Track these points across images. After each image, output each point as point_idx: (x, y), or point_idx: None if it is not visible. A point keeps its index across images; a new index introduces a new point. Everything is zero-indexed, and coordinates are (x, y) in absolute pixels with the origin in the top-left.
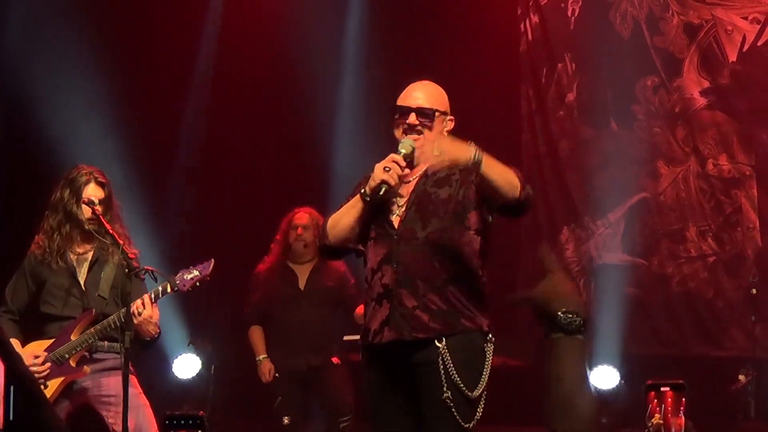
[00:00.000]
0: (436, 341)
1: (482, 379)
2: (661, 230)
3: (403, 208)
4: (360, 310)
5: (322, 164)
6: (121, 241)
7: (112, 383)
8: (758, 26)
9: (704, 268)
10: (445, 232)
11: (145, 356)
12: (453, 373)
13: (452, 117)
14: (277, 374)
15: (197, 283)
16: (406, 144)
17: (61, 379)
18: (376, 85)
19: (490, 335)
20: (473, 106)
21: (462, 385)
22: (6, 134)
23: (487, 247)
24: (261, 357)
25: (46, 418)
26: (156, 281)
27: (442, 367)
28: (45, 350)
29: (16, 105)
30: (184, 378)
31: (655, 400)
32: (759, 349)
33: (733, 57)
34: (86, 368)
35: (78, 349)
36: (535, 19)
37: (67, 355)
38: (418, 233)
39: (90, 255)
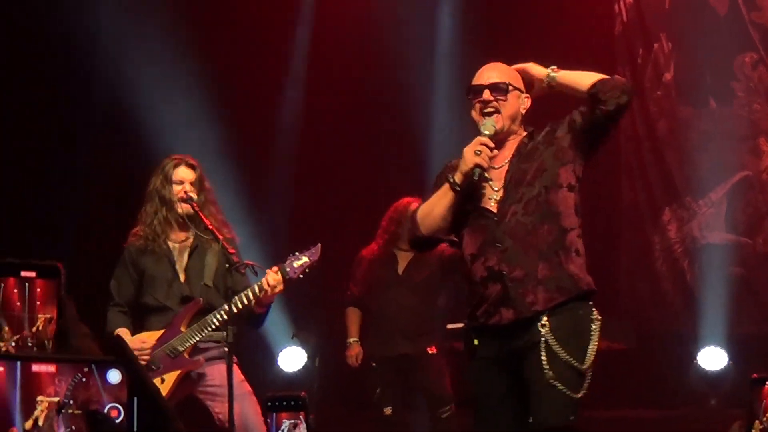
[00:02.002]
0: (540, 321)
1: (590, 351)
2: (764, 208)
3: (500, 192)
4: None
5: (419, 152)
6: (220, 236)
7: (215, 373)
8: None
9: None
10: (540, 196)
11: (250, 349)
12: (557, 349)
13: (528, 95)
14: (373, 363)
15: (307, 270)
16: (488, 125)
17: (178, 372)
18: (470, 72)
19: (591, 304)
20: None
21: (570, 358)
22: (104, 126)
23: (580, 203)
24: (351, 340)
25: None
26: (256, 275)
27: (544, 343)
28: (156, 342)
29: (115, 97)
30: (290, 371)
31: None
32: None
33: None
34: (202, 359)
35: (191, 341)
36: None
37: (180, 348)
38: (517, 209)
39: (189, 242)
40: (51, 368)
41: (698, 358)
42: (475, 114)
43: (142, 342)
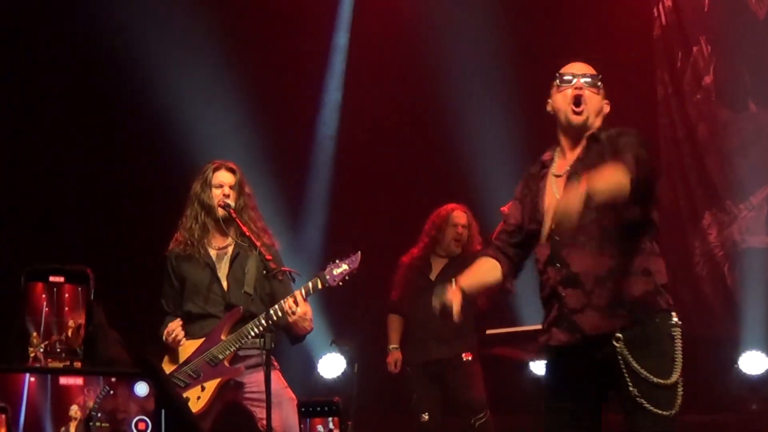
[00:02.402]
0: (613, 338)
1: (675, 364)
2: None
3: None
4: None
5: (458, 160)
6: (257, 242)
7: (259, 380)
8: None
9: None
10: (599, 214)
11: (290, 356)
12: (635, 367)
13: (608, 101)
14: (408, 368)
15: (346, 277)
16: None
17: (219, 380)
18: (511, 77)
19: (673, 314)
20: (609, 93)
21: (650, 375)
22: (142, 134)
23: (651, 213)
24: (391, 347)
25: None
26: (294, 282)
27: (622, 362)
28: (196, 350)
29: (155, 105)
30: (330, 377)
31: None
32: None
33: None
34: (242, 366)
35: (231, 349)
36: (668, 2)
37: (220, 356)
38: (575, 231)
39: (230, 249)
40: (79, 380)
41: (739, 362)
42: (561, 101)
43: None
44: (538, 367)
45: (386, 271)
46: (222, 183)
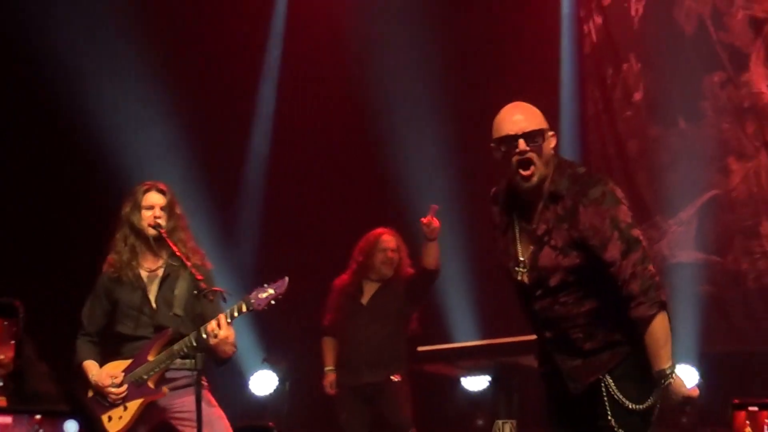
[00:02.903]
0: (602, 379)
1: (651, 390)
2: (734, 226)
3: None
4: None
5: (389, 183)
6: (188, 262)
7: (187, 402)
8: None
9: None
10: (574, 273)
11: (221, 373)
12: (617, 396)
13: (553, 132)
14: (339, 389)
15: (272, 302)
16: None
17: (141, 400)
18: (443, 100)
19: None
20: (540, 110)
21: (626, 401)
22: (72, 156)
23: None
24: (326, 369)
25: None
26: (225, 302)
27: (605, 394)
28: (123, 371)
29: (84, 127)
30: (261, 394)
31: (747, 422)
32: None
33: None
34: (165, 389)
35: (156, 370)
36: (599, 20)
37: (145, 377)
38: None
39: (160, 271)
40: (7, 419)
41: None
42: (506, 166)
43: (112, 378)
44: (470, 384)
45: (318, 290)
46: (153, 204)
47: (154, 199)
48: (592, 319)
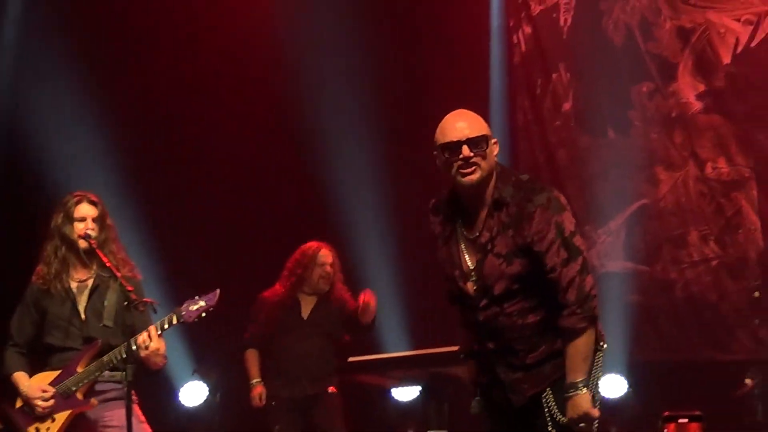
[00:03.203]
0: (543, 393)
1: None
2: (662, 236)
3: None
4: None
5: (320, 194)
6: (118, 273)
7: (116, 414)
8: (751, 27)
9: (707, 272)
10: (518, 283)
11: (151, 385)
12: (555, 411)
13: (495, 139)
14: (273, 402)
15: (203, 314)
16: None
17: (69, 412)
18: (374, 113)
19: (603, 344)
20: None
21: (560, 415)
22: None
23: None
24: (254, 381)
25: None
26: (156, 313)
27: (546, 408)
28: (51, 382)
29: (11, 135)
30: (191, 406)
31: None
32: (764, 352)
33: (727, 59)
34: (93, 400)
35: (84, 381)
36: (528, 30)
37: (74, 388)
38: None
39: (90, 282)
40: None
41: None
42: (452, 171)
43: (42, 391)
44: (401, 394)
45: (250, 302)
46: (84, 216)
47: (86, 210)
48: (536, 331)
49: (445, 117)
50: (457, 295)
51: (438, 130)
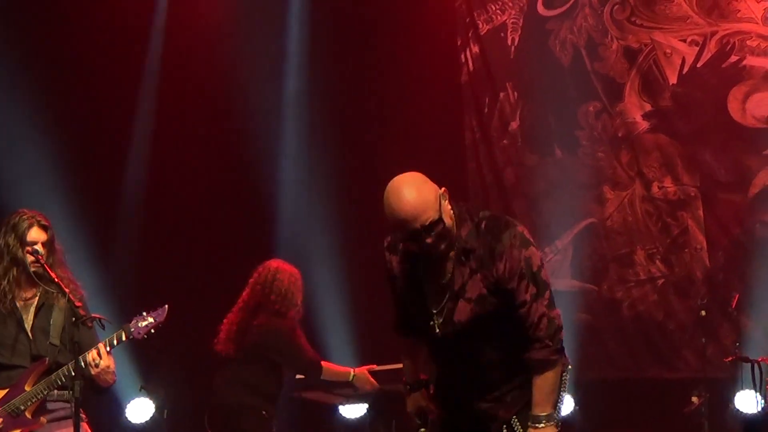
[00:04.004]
0: (510, 420)
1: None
2: (609, 255)
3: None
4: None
5: (269, 209)
6: (66, 289)
7: None
8: (697, 48)
9: (654, 291)
10: (485, 322)
11: (97, 401)
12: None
13: (444, 188)
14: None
15: (152, 330)
16: None
17: (18, 431)
18: (319, 127)
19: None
20: (418, 137)
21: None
22: None
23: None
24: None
25: None
26: (104, 328)
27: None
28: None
29: None
30: (138, 422)
31: None
32: (710, 370)
33: (673, 79)
34: (43, 419)
35: (33, 400)
36: (476, 49)
37: (22, 407)
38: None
39: (36, 300)
40: None
41: None
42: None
43: None
44: (348, 412)
45: (198, 317)
46: (36, 240)
47: (37, 234)
48: (506, 363)
49: (388, 198)
50: (419, 330)
51: (387, 213)
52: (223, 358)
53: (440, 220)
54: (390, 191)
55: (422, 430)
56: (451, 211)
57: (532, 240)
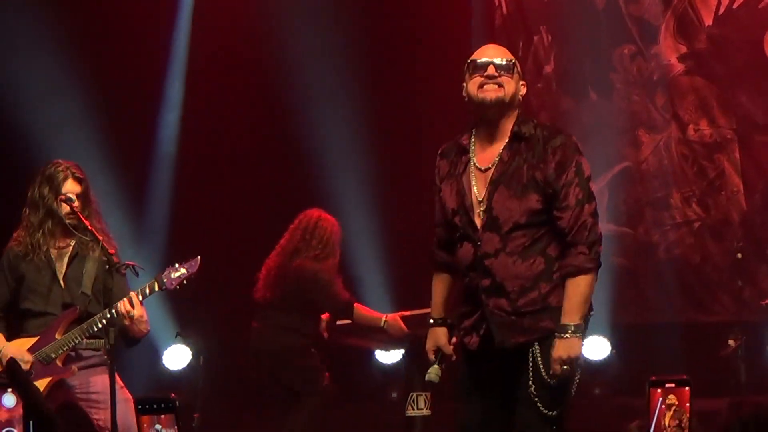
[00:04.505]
0: (531, 348)
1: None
2: (645, 198)
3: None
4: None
5: (303, 162)
6: (100, 237)
7: (98, 381)
8: None
9: (690, 234)
10: (526, 222)
11: (135, 349)
12: (542, 371)
13: (524, 81)
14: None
15: (185, 281)
16: (432, 375)
17: (49, 379)
18: (356, 80)
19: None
20: (453, 84)
21: (547, 377)
22: None
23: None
24: None
25: None
26: (137, 276)
27: (532, 366)
28: (29, 349)
29: None
30: (175, 369)
31: (661, 398)
32: (747, 313)
33: (709, 21)
34: (74, 367)
35: (64, 348)
36: None
37: (53, 355)
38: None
39: (70, 249)
40: None
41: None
42: (472, 88)
43: (22, 353)
44: (384, 357)
45: (232, 267)
46: (71, 191)
47: (72, 187)
48: (532, 275)
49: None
50: (457, 229)
51: (475, 53)
52: (262, 305)
53: (512, 71)
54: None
55: (435, 366)
56: (520, 98)
57: (583, 153)
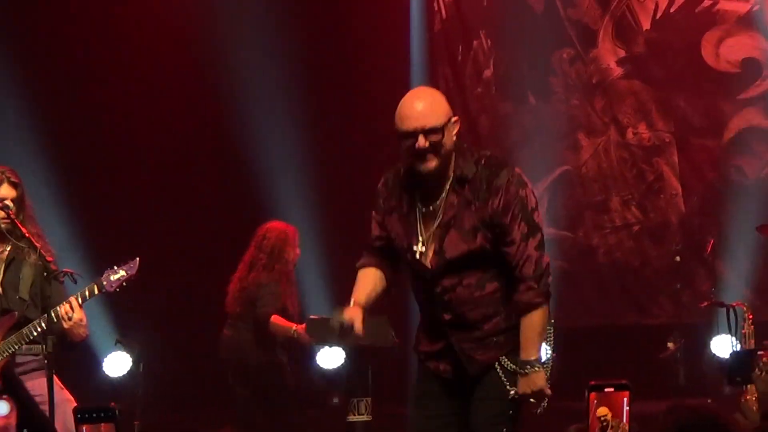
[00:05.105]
0: (496, 363)
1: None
2: (584, 202)
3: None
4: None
5: (241, 160)
6: (38, 244)
7: (37, 385)
8: None
9: (629, 237)
10: (477, 255)
11: (74, 355)
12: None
13: (456, 117)
14: None
15: (124, 283)
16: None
17: None
18: (296, 84)
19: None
20: (391, 88)
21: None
22: None
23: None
24: None
25: None
26: (75, 283)
27: (502, 374)
28: None
29: None
30: (115, 376)
31: (596, 401)
32: (686, 315)
33: (647, 25)
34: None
35: (4, 354)
36: None
37: None
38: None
39: (5, 254)
40: None
41: None
42: (404, 155)
43: None
44: (325, 361)
45: (173, 269)
46: (4, 197)
47: (6, 191)
48: (491, 302)
49: (404, 99)
50: (408, 264)
51: (396, 114)
52: (231, 315)
53: (442, 131)
54: (410, 92)
55: (336, 326)
56: (454, 139)
57: (528, 183)
